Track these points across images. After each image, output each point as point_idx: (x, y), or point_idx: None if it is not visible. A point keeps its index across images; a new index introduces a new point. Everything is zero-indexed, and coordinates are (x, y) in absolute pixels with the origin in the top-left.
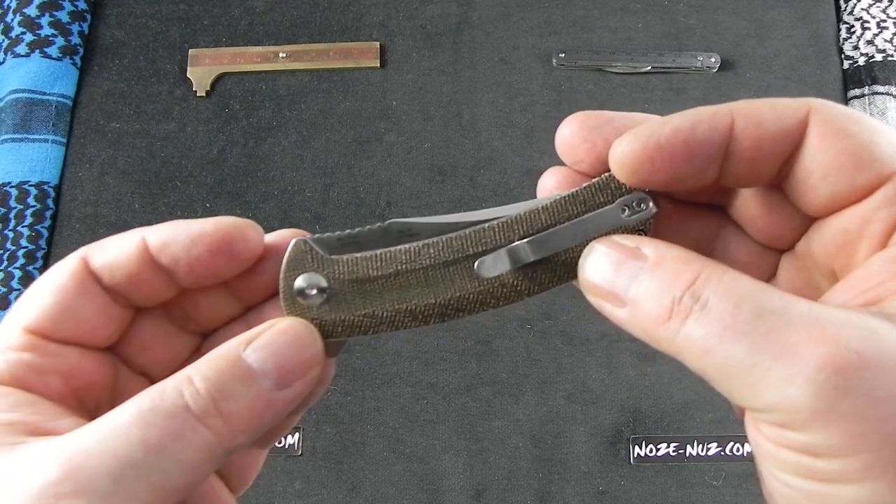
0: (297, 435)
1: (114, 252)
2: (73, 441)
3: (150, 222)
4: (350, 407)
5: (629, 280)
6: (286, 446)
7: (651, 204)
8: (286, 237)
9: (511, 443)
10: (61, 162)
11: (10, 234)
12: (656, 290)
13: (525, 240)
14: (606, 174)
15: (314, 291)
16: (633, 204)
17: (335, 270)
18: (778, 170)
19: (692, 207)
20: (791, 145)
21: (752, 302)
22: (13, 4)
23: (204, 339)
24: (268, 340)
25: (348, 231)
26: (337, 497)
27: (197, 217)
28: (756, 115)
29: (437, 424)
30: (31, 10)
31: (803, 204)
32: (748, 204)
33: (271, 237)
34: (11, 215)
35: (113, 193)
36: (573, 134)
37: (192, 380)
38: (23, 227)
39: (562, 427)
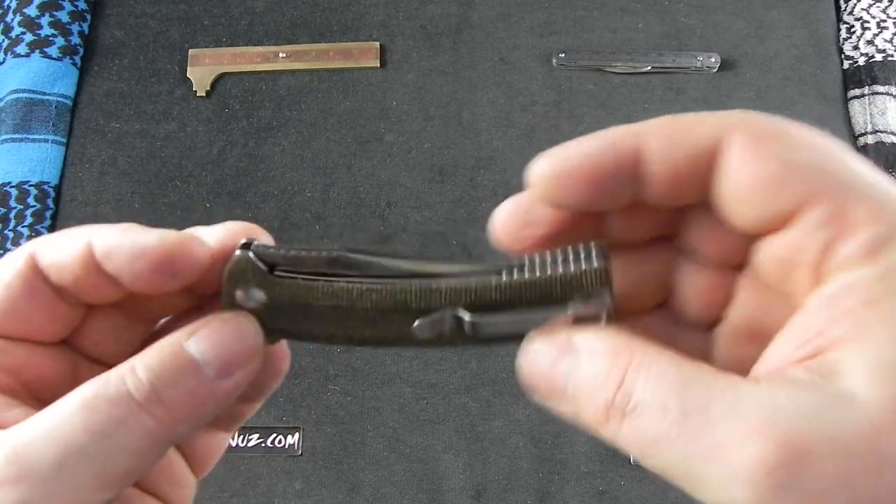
0: (297, 435)
1: (60, 253)
2: (17, 430)
3: (150, 222)
4: (350, 407)
5: (566, 378)
6: (286, 446)
7: (607, 299)
8: (235, 235)
9: (511, 443)
10: (61, 162)
11: (10, 234)
12: (591, 390)
13: (468, 315)
14: (573, 272)
15: (253, 303)
16: (588, 293)
17: (275, 290)
18: (701, 190)
19: (645, 245)
20: (707, 166)
21: (678, 399)
22: (13, 4)
23: (159, 327)
24: (209, 331)
25: (294, 252)
26: (337, 497)
27: (197, 217)
28: (668, 135)
29: (437, 424)
30: (31, 10)
31: (734, 225)
32: (691, 226)
33: (219, 237)
34: (11, 215)
35: (113, 193)
36: (506, 225)
37: (135, 369)
38: (23, 227)
39: (562, 427)
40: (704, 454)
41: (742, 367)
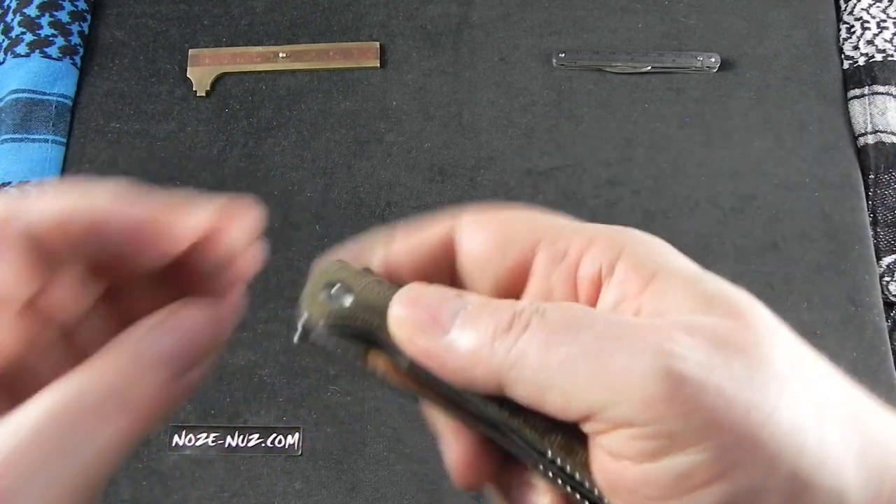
0: (297, 435)
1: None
2: None
3: None
4: (350, 407)
5: (454, 312)
6: (286, 446)
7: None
8: (220, 217)
9: None
10: (61, 162)
11: None
12: (490, 314)
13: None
14: None
15: (335, 302)
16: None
17: (362, 292)
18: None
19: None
20: (450, 256)
21: (584, 309)
22: (13, 4)
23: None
24: (168, 329)
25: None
26: (337, 497)
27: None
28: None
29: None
30: (31, 10)
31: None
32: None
33: (204, 220)
34: None
35: None
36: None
37: (96, 373)
38: None
39: None
40: (615, 344)
41: None
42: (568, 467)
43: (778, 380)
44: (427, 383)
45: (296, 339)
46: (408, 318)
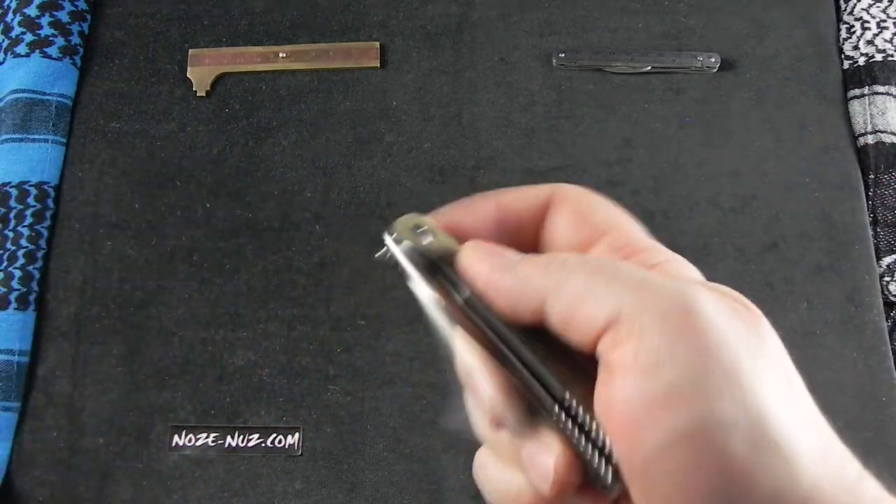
0: (297, 435)
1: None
2: None
3: (150, 222)
4: (350, 407)
5: (518, 256)
6: (286, 446)
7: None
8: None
9: None
10: (61, 162)
11: (10, 234)
12: (547, 257)
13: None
14: None
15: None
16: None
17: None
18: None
19: None
20: (540, 217)
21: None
22: (13, 4)
23: None
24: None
25: None
26: (337, 497)
27: (197, 216)
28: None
29: (437, 424)
30: (31, 10)
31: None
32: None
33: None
34: (11, 215)
35: (113, 193)
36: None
37: None
38: (23, 227)
39: None
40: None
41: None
42: (581, 412)
43: (767, 358)
44: (476, 316)
45: (379, 253)
46: (480, 249)
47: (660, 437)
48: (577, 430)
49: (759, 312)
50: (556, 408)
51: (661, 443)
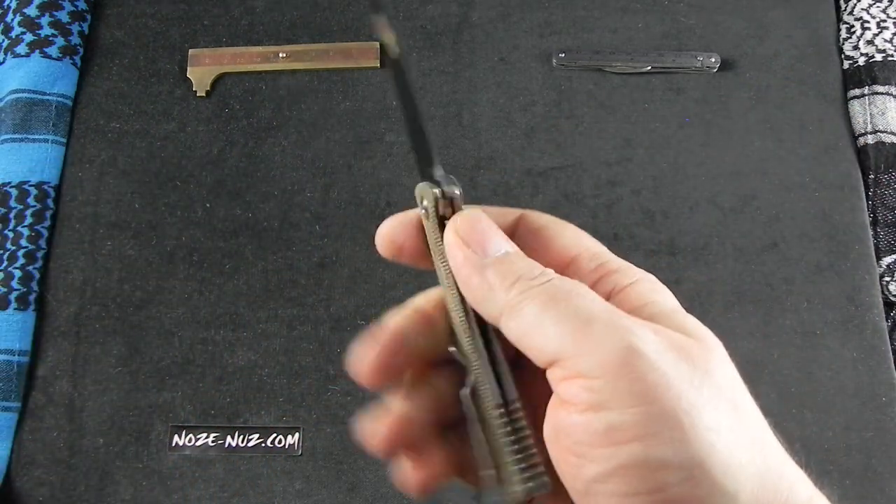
0: (297, 435)
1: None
2: None
3: (150, 222)
4: (350, 407)
5: (498, 249)
6: (286, 446)
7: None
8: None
9: None
10: (61, 162)
11: (10, 234)
12: (521, 265)
13: None
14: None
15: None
16: None
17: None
18: None
19: None
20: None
21: (585, 288)
22: (13, 4)
23: None
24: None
25: None
26: (337, 497)
27: (197, 216)
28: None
29: None
30: (31, 10)
31: None
32: None
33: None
34: (11, 215)
35: (113, 193)
36: (366, 368)
37: None
38: (23, 227)
39: None
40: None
41: None
42: (519, 418)
43: (711, 389)
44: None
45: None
46: (463, 231)
47: (600, 467)
48: (512, 433)
49: (710, 343)
50: (502, 408)
51: (601, 472)
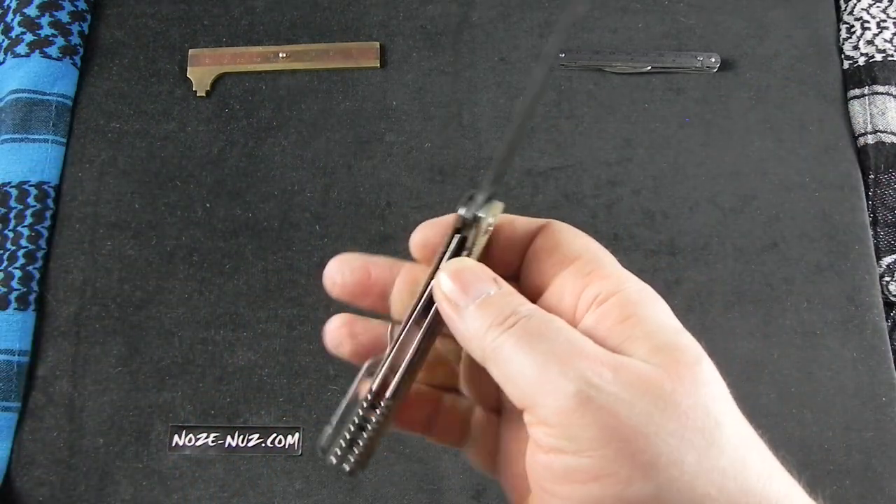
0: (297, 435)
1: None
2: None
3: (150, 222)
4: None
5: (480, 293)
6: (286, 446)
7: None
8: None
9: None
10: (61, 162)
11: (10, 234)
12: (498, 307)
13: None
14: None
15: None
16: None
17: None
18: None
19: None
20: (528, 240)
21: (555, 324)
22: (13, 4)
23: None
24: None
25: None
26: (337, 497)
27: (197, 216)
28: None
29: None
30: (31, 10)
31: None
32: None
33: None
34: (11, 215)
35: (113, 193)
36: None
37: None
38: (23, 227)
39: None
40: (555, 366)
41: None
42: (381, 413)
43: (677, 421)
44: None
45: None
46: (449, 283)
47: (563, 503)
48: (360, 419)
49: (688, 362)
50: (370, 396)
51: None
